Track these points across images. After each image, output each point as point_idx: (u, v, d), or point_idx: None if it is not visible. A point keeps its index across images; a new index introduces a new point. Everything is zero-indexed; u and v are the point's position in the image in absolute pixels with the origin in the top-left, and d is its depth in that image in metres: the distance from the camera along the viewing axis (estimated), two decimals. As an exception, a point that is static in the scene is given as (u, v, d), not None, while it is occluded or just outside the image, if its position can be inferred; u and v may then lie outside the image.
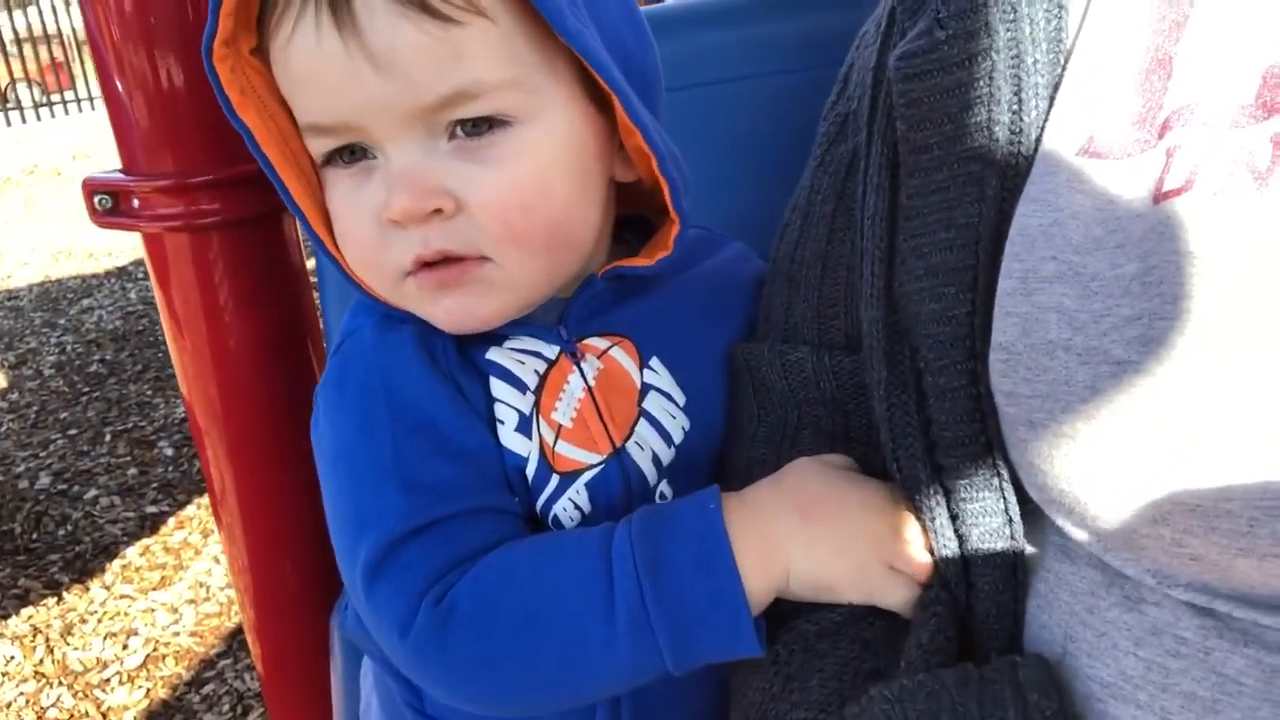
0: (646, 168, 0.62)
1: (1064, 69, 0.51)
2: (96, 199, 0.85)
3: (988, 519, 0.51)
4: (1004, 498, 0.50)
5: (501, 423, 0.61)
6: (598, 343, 0.65)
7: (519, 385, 0.62)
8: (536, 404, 0.62)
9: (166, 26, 0.82)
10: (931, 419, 0.52)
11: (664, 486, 0.65)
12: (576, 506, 0.62)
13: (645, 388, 0.65)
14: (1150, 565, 0.44)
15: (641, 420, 0.64)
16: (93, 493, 2.67)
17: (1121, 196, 0.45)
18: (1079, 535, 0.47)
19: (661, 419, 0.65)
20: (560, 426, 0.62)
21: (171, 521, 2.51)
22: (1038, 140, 0.50)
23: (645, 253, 0.66)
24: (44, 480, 2.76)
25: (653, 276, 0.66)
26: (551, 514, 0.61)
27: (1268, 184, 0.40)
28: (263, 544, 0.99)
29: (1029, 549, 0.52)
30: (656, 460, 0.65)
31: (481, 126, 0.55)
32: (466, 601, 0.54)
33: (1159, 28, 0.48)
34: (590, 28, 0.56)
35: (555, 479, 0.61)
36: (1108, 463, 0.43)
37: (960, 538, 0.52)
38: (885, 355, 0.54)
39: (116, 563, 2.34)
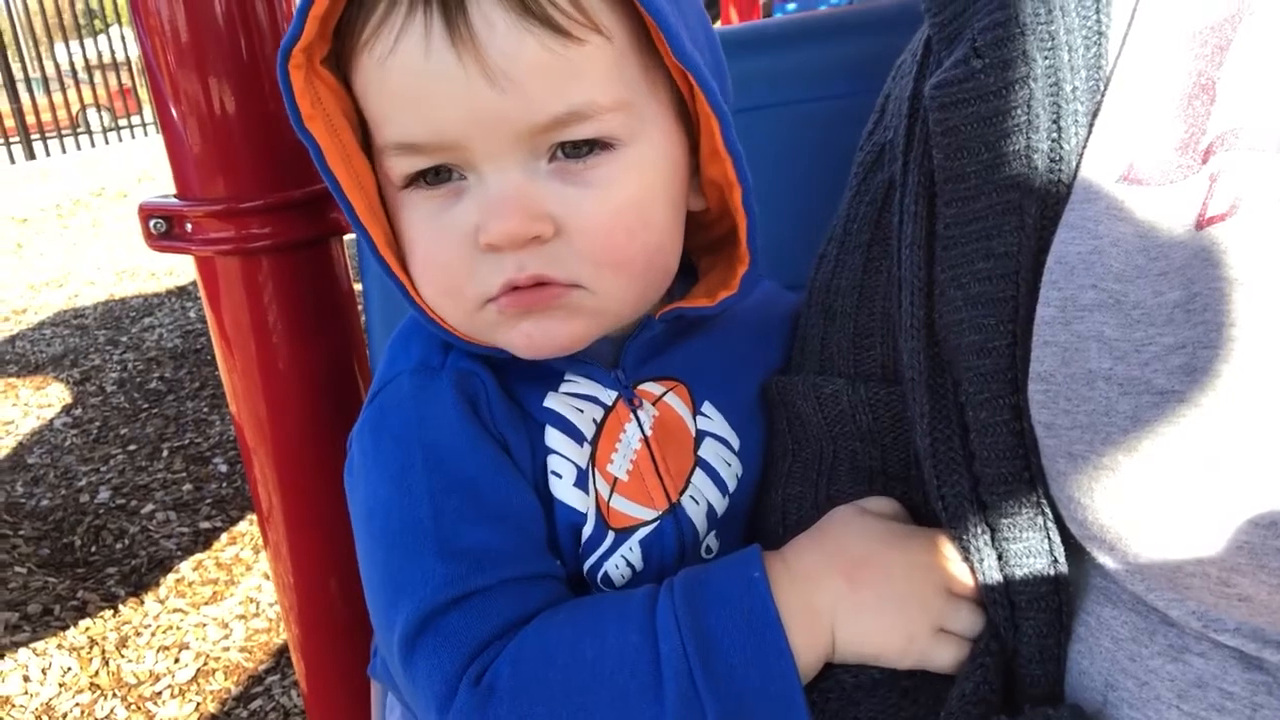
0: (717, 199, 0.61)
1: (1103, 95, 0.49)
2: (151, 223, 0.87)
3: (1032, 560, 0.49)
4: (1049, 538, 0.48)
5: (558, 476, 0.58)
6: (653, 388, 0.63)
7: (577, 437, 0.60)
8: (593, 455, 0.60)
9: (220, 55, 0.84)
10: (975, 454, 0.50)
11: (711, 539, 0.63)
12: (629, 564, 0.60)
13: (700, 434, 0.63)
14: (1195, 606, 0.42)
15: (698, 470, 0.63)
16: (149, 507, 2.73)
17: (1163, 223, 0.44)
18: (1121, 573, 0.46)
19: (718, 466, 0.63)
20: (616, 480, 0.60)
21: (224, 537, 2.55)
22: (1077, 167, 0.49)
23: (704, 291, 0.63)
24: (104, 495, 2.83)
25: (703, 317, 0.63)
26: (602, 571, 0.60)
27: None
28: (307, 562, 1.00)
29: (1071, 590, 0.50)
30: (711, 512, 0.63)
31: (583, 149, 0.53)
32: (506, 681, 0.51)
33: (1201, 52, 0.46)
34: (696, 51, 0.55)
35: (611, 536, 0.59)
36: (1150, 497, 0.42)
37: (1005, 579, 0.50)
38: (928, 388, 0.53)
39: (170, 577, 2.38)
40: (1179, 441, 0.40)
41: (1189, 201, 0.43)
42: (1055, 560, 0.48)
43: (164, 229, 0.87)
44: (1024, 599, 0.49)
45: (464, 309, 0.56)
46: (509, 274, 0.54)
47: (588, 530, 0.59)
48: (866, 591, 0.52)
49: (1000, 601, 0.50)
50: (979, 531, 0.50)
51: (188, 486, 2.84)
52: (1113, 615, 0.47)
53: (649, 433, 0.61)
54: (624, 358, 0.62)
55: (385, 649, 0.56)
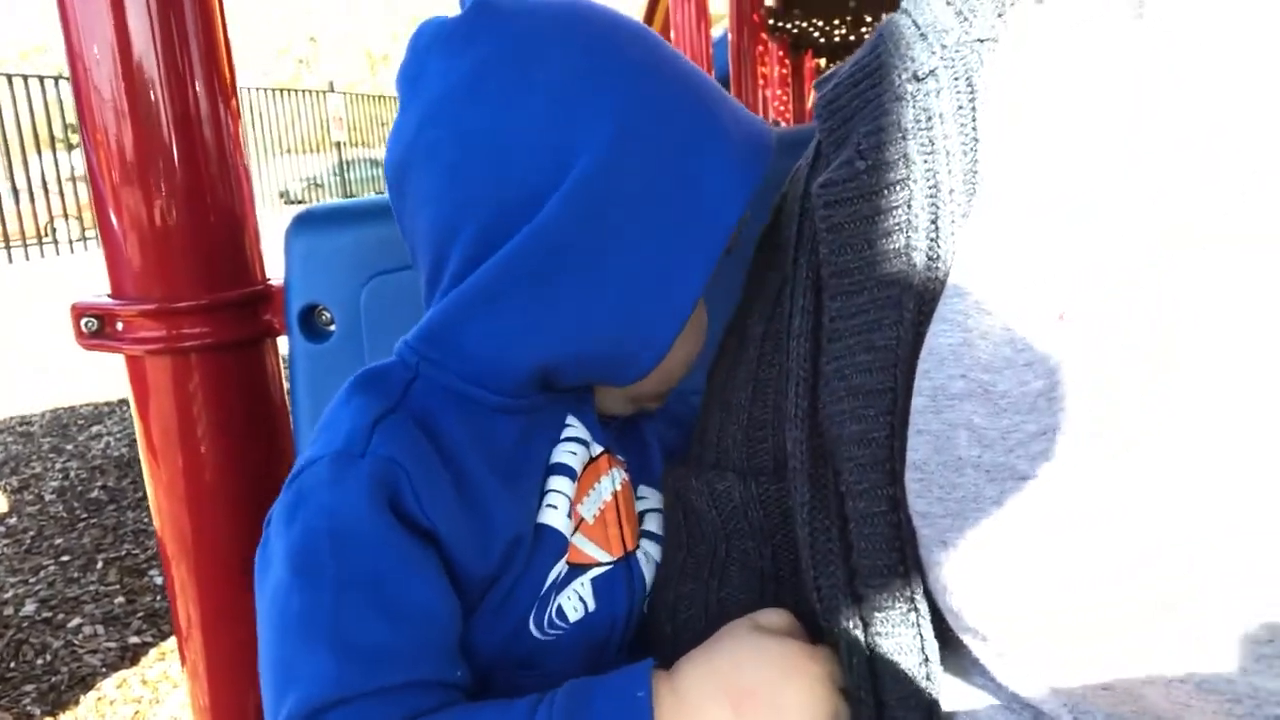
0: None
1: (977, 196, 0.53)
2: (83, 322, 0.89)
3: (904, 656, 0.49)
4: (920, 634, 0.49)
5: (554, 508, 0.62)
6: (619, 456, 0.69)
7: (571, 475, 0.64)
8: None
9: (166, 171, 0.87)
10: (853, 545, 0.51)
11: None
12: (582, 600, 0.62)
13: (642, 514, 0.69)
14: (1066, 699, 0.43)
15: (644, 539, 0.67)
16: (76, 621, 2.62)
17: (1028, 316, 0.46)
18: (994, 665, 0.47)
19: (662, 559, 0.67)
20: (582, 520, 0.63)
21: (153, 653, 2.45)
22: (951, 266, 0.52)
23: None
24: (29, 607, 2.71)
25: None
26: (557, 603, 0.61)
27: (1164, 299, 0.41)
28: (225, 685, 0.97)
29: (960, 694, 0.51)
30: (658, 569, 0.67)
31: None
32: None
33: (1067, 157, 0.50)
34: None
35: (565, 568, 0.62)
36: (1013, 584, 0.43)
37: (874, 675, 0.50)
38: (809, 478, 0.54)
39: (92, 695, 2.27)
40: (1036, 527, 0.42)
41: (1052, 295, 0.45)
42: (926, 659, 0.49)
43: (95, 328, 0.89)
44: (894, 697, 0.49)
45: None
46: None
47: (561, 562, 0.62)
48: None
49: (866, 700, 0.50)
50: (852, 626, 0.51)
51: (120, 599, 2.74)
52: (991, 714, 0.48)
53: (619, 488, 0.66)
54: (613, 422, 0.68)
55: None
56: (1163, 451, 0.39)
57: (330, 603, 0.53)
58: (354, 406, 0.60)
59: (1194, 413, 0.39)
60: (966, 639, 0.48)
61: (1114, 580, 0.39)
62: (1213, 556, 0.37)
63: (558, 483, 0.63)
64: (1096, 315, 0.43)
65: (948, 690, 0.51)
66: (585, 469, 0.65)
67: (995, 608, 0.44)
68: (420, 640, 0.54)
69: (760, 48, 5.34)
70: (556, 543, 0.62)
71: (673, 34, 4.49)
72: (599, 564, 0.63)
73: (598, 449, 0.66)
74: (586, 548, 0.63)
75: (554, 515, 0.62)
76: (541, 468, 0.63)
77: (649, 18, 5.54)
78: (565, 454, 0.64)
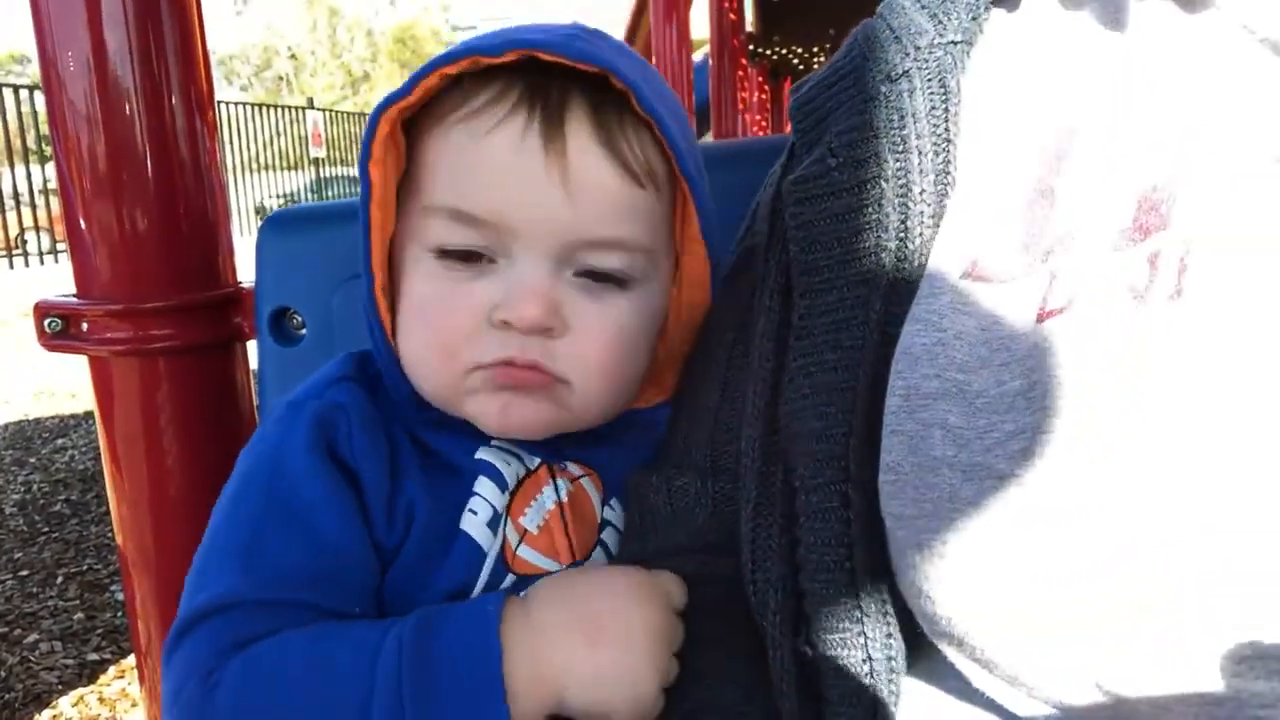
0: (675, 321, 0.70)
1: (949, 198, 0.53)
2: (47, 322, 0.87)
3: (848, 653, 0.49)
4: (864, 632, 0.49)
5: (473, 513, 0.62)
6: (572, 468, 0.68)
7: (501, 483, 0.64)
8: (508, 506, 0.64)
9: (136, 180, 0.86)
10: (800, 540, 0.51)
11: None
12: None
13: (604, 522, 0.68)
14: (1044, 702, 0.43)
15: (598, 549, 0.67)
16: (33, 637, 2.55)
17: (1005, 317, 0.46)
18: (968, 670, 0.46)
19: (616, 553, 0.67)
20: (526, 531, 0.64)
21: (112, 670, 2.39)
22: (922, 266, 0.52)
23: (645, 397, 0.71)
24: (-15, 623, 2.65)
25: (635, 417, 0.70)
26: None
27: (1145, 300, 0.42)
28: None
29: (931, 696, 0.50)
30: None
31: (603, 277, 0.62)
32: (229, 683, 0.53)
33: (1042, 159, 0.51)
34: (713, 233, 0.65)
35: (512, 578, 0.63)
36: (989, 582, 0.43)
37: (820, 672, 0.50)
38: (758, 475, 0.54)
39: (47, 713, 2.21)
40: (1014, 526, 0.42)
41: (1030, 297, 0.46)
42: (869, 657, 0.48)
43: (59, 328, 0.87)
44: (836, 693, 0.49)
45: (452, 369, 0.62)
46: (510, 352, 0.60)
47: (486, 567, 0.62)
48: (603, 652, 0.54)
49: (788, 694, 0.50)
50: (780, 621, 0.51)
51: (79, 615, 2.67)
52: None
53: (564, 499, 0.66)
54: (556, 438, 0.67)
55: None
56: (1141, 454, 0.39)
57: (251, 524, 0.58)
58: (323, 370, 0.67)
59: (1170, 416, 0.39)
60: (942, 645, 0.47)
61: (1090, 578, 0.39)
62: (1189, 559, 0.37)
63: (483, 486, 0.63)
64: (1082, 315, 0.43)
65: (919, 696, 0.50)
66: (524, 481, 0.65)
67: (971, 607, 0.44)
68: (325, 569, 0.58)
69: (740, 73, 5.40)
70: (472, 553, 0.62)
71: (654, 59, 4.53)
72: (548, 572, 0.63)
73: (534, 461, 0.66)
74: (532, 558, 0.64)
75: (472, 522, 0.62)
76: (467, 461, 0.64)
77: (629, 41, 5.59)
78: (494, 457, 0.65)
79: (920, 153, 0.53)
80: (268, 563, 0.57)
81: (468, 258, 0.61)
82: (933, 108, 0.53)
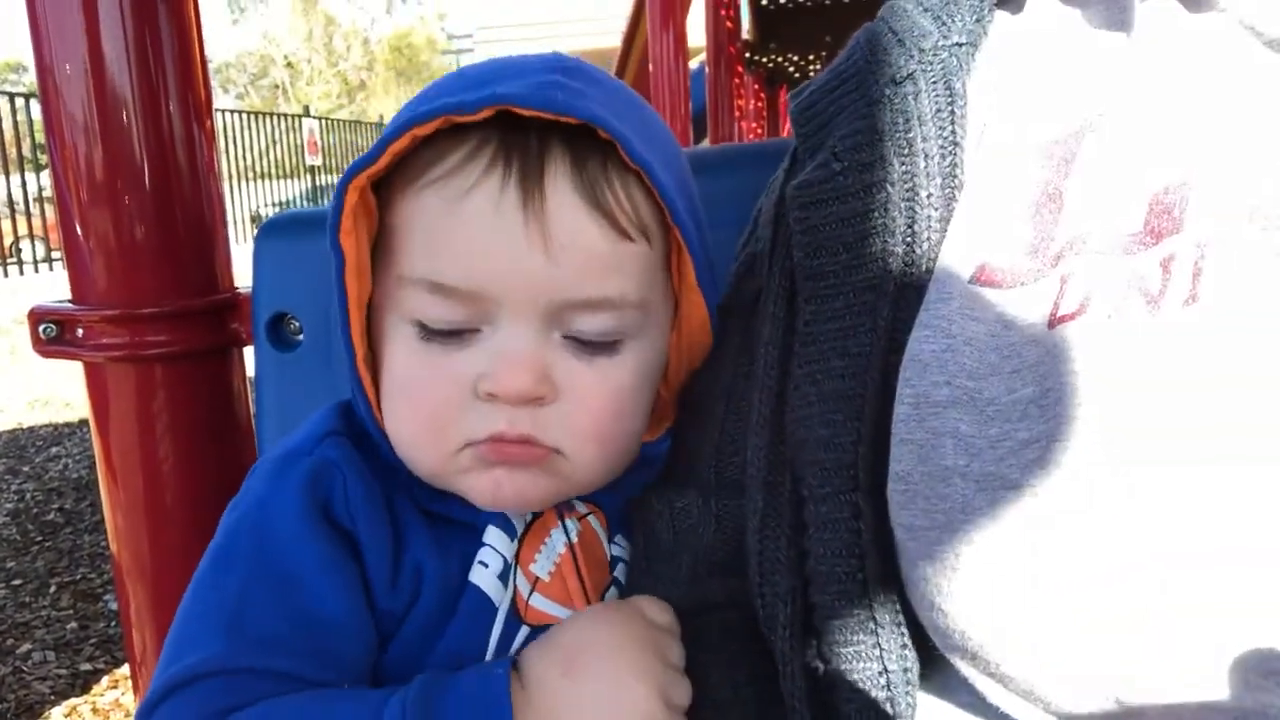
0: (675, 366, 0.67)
1: (957, 202, 0.52)
2: (41, 328, 0.86)
3: (863, 665, 0.48)
4: (879, 644, 0.48)
5: (484, 565, 0.60)
6: (579, 506, 0.65)
7: (510, 531, 0.61)
8: (517, 554, 0.61)
9: (133, 187, 0.86)
10: (809, 552, 0.50)
11: None
12: None
13: (615, 559, 0.66)
14: (1058, 715, 0.42)
15: (613, 588, 0.65)
16: (26, 647, 2.54)
17: (1016, 322, 0.45)
18: (981, 684, 0.45)
19: (626, 587, 0.65)
20: (537, 579, 0.61)
21: (105, 680, 2.38)
22: (930, 271, 0.51)
23: (648, 432, 0.67)
24: (-23, 633, 2.63)
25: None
26: None
27: (1160, 306, 0.41)
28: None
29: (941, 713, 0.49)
30: None
31: (592, 339, 0.58)
32: None
33: (1049, 164, 0.50)
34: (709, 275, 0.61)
35: (525, 630, 0.60)
36: (1005, 597, 0.42)
37: (834, 685, 0.49)
38: (764, 485, 0.53)
39: (40, 724, 2.20)
40: (1029, 537, 0.41)
41: (1041, 302, 0.45)
42: (885, 669, 0.48)
43: (54, 334, 0.86)
44: (852, 707, 0.48)
45: (441, 448, 0.58)
46: (500, 426, 0.56)
47: (498, 624, 0.60)
48: (587, 683, 0.53)
49: (801, 711, 0.49)
50: (789, 635, 0.50)
51: (72, 625, 2.66)
52: None
53: (574, 540, 0.63)
54: None
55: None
56: (1158, 462, 0.38)
57: (237, 592, 0.55)
58: (316, 419, 0.63)
59: (1186, 424, 0.38)
60: (954, 659, 0.47)
61: (1107, 589, 0.39)
62: (1207, 569, 0.37)
63: (492, 536, 0.61)
64: (1096, 320, 0.43)
65: (932, 711, 0.49)
66: (532, 526, 0.63)
67: (986, 620, 0.43)
68: (314, 644, 0.55)
69: (737, 81, 5.40)
70: (483, 608, 0.59)
71: (651, 67, 4.54)
72: (561, 620, 0.61)
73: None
74: (546, 607, 0.61)
75: (483, 575, 0.60)
76: (471, 512, 0.61)
77: (626, 48, 5.59)
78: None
79: (926, 156, 0.52)
80: (251, 630, 0.54)
81: (449, 333, 0.57)
82: (938, 110, 0.53)
